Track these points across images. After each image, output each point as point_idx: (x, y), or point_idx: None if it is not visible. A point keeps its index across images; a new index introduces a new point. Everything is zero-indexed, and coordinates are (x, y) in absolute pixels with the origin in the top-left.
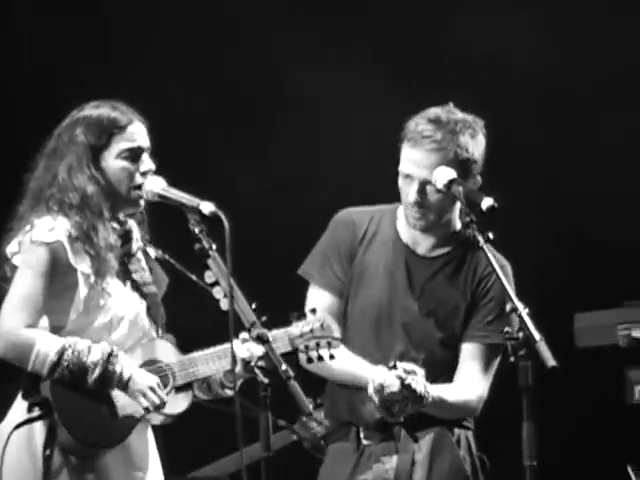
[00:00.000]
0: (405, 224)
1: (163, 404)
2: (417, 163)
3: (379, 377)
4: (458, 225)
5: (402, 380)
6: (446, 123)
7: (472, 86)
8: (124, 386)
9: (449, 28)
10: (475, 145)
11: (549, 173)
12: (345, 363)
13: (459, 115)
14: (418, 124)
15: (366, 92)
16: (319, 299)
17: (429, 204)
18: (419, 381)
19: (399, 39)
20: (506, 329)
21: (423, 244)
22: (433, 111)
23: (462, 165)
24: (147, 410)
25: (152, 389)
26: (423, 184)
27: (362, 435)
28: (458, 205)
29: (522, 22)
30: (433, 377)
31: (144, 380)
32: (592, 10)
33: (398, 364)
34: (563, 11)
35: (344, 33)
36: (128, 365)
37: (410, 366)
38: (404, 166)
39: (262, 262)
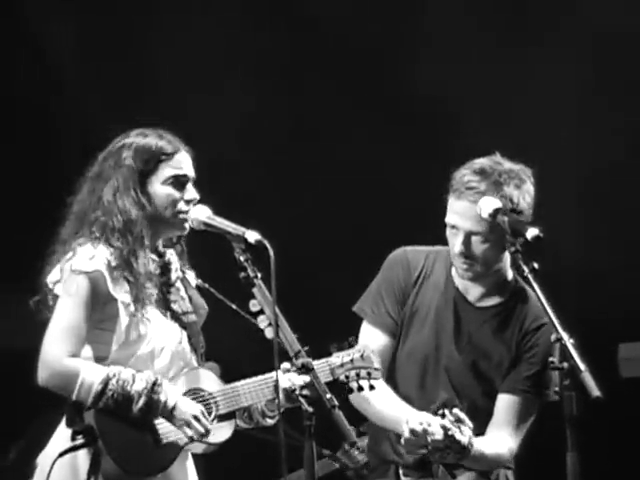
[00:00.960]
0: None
1: (207, 433)
2: (461, 214)
3: (420, 421)
4: (510, 275)
5: (446, 430)
6: (490, 174)
7: None
8: (169, 415)
9: None
10: (521, 195)
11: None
12: (387, 405)
13: (505, 166)
14: (464, 175)
15: None
16: (372, 337)
17: (475, 255)
18: (465, 432)
19: None
20: (551, 359)
21: (474, 292)
22: (479, 162)
23: (507, 216)
24: (191, 439)
25: (196, 418)
26: (468, 235)
27: (401, 472)
28: (507, 256)
29: None
30: (476, 427)
31: (188, 409)
32: None
33: (447, 412)
34: None
35: None
36: (172, 394)
37: (462, 415)
38: (449, 217)
39: (306, 292)
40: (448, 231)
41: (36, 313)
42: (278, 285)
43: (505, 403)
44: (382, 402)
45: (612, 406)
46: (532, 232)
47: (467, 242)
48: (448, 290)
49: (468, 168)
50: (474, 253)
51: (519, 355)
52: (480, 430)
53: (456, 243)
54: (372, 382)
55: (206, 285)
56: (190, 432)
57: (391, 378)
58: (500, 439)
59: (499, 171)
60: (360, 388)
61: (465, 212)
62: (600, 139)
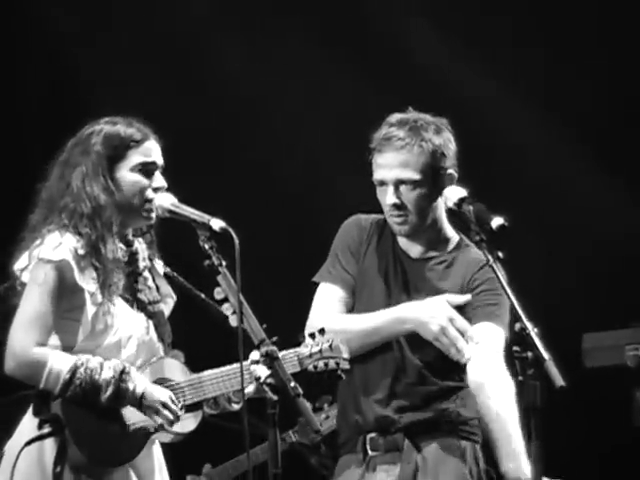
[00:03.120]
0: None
1: (177, 419)
2: (387, 165)
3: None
4: (449, 232)
5: None
6: (407, 121)
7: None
8: (137, 403)
9: None
10: (441, 139)
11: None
12: (363, 319)
13: (420, 115)
14: (381, 130)
15: None
16: (330, 294)
17: (407, 204)
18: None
19: None
20: (514, 348)
21: (415, 249)
22: (394, 116)
23: (431, 158)
24: (161, 427)
25: (165, 405)
26: (397, 185)
27: (368, 446)
28: (441, 206)
29: None
30: (428, 389)
31: (157, 396)
32: None
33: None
34: None
35: None
36: (140, 381)
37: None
38: (376, 175)
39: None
40: (378, 191)
41: (5, 300)
42: (245, 272)
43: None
44: (362, 318)
45: (576, 395)
46: (497, 221)
47: (397, 192)
48: (394, 250)
49: (385, 124)
50: (405, 202)
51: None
52: (433, 393)
53: (387, 196)
54: (340, 372)
55: (174, 273)
56: (160, 420)
57: None
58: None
59: (415, 118)
60: (329, 377)
61: (389, 162)
62: None
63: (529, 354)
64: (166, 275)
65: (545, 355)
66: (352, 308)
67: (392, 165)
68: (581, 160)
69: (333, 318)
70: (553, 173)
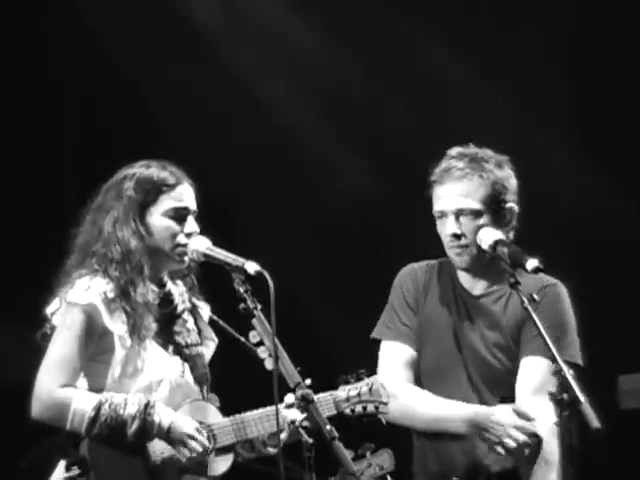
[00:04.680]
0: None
1: (205, 450)
2: (447, 196)
3: (507, 416)
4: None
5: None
6: (468, 154)
7: None
8: (164, 436)
9: None
10: (502, 172)
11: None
12: (431, 405)
13: (482, 150)
14: (442, 163)
15: None
16: (395, 352)
17: (467, 233)
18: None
19: None
20: (550, 390)
21: (476, 285)
22: (454, 149)
23: (492, 189)
24: (190, 460)
25: (192, 437)
26: (457, 214)
27: None
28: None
29: None
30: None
31: (185, 428)
32: None
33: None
34: None
35: None
36: (166, 414)
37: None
38: (436, 207)
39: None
40: (438, 224)
41: (41, 344)
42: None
43: (522, 368)
44: (431, 403)
45: (612, 438)
46: (532, 263)
47: (457, 222)
48: (454, 290)
49: (445, 157)
50: (466, 233)
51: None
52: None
53: (447, 227)
54: (380, 416)
55: (214, 317)
56: (187, 452)
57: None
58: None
59: (475, 151)
60: (365, 419)
61: (449, 193)
62: None
63: (565, 396)
64: (210, 320)
65: (581, 397)
66: (417, 360)
67: (452, 195)
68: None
69: (405, 390)
70: (585, 214)
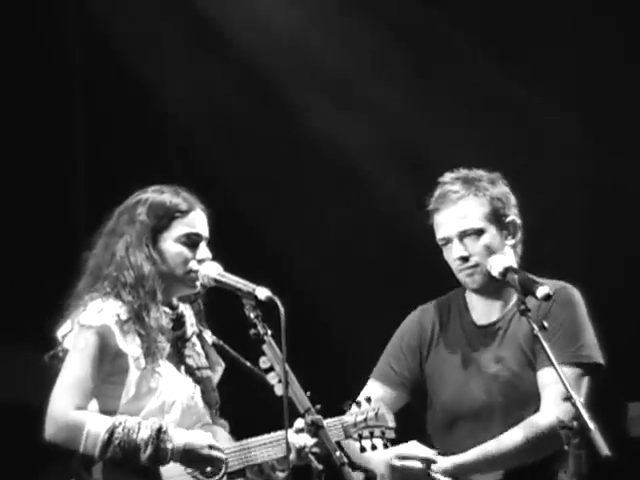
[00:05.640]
0: (472, 296)
1: (224, 462)
2: (447, 221)
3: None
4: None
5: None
6: (461, 177)
7: None
8: (179, 458)
9: None
10: (496, 189)
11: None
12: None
13: (472, 170)
14: (436, 192)
15: None
16: (370, 390)
17: (474, 254)
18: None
19: None
20: (560, 418)
21: (483, 313)
22: (446, 175)
23: (490, 206)
24: (212, 474)
25: (212, 446)
26: (460, 237)
27: None
28: (510, 254)
29: None
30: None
31: (200, 441)
32: None
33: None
34: None
35: None
36: (179, 437)
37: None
38: (439, 234)
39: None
40: (445, 252)
41: (50, 367)
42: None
43: (540, 380)
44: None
45: (622, 465)
46: (542, 290)
47: (463, 244)
48: (462, 323)
49: (439, 187)
50: (472, 252)
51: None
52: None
53: (453, 251)
54: (385, 441)
55: (221, 342)
56: (208, 467)
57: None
58: (531, 421)
59: (467, 173)
60: (374, 447)
61: (449, 218)
62: None
63: (574, 423)
64: (214, 344)
65: (590, 424)
66: (398, 406)
67: (452, 219)
68: None
69: None
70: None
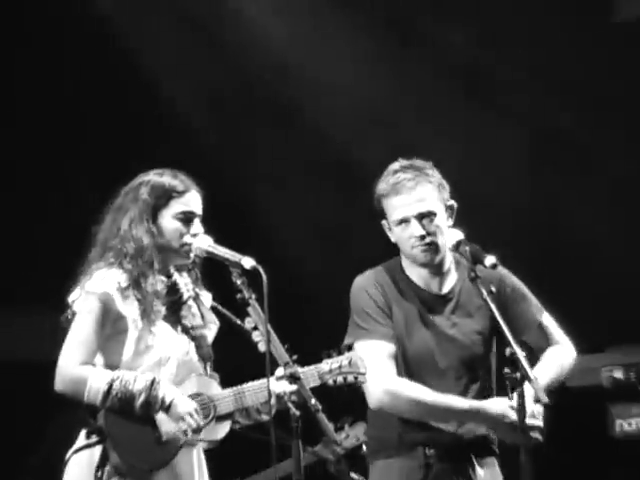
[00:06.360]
0: (414, 269)
1: (199, 429)
2: (406, 204)
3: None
4: (449, 256)
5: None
6: (411, 166)
7: None
8: (167, 409)
9: None
10: (438, 175)
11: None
12: (437, 398)
13: (413, 160)
14: (387, 179)
15: None
16: (376, 349)
17: (430, 232)
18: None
19: None
20: (505, 370)
21: (431, 282)
22: (392, 166)
23: (438, 191)
24: (184, 433)
25: (190, 414)
26: (419, 217)
27: (429, 453)
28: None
29: None
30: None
31: (184, 406)
32: None
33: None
34: None
35: None
36: (170, 391)
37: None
38: (397, 214)
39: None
40: (399, 229)
41: (63, 328)
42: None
43: (535, 338)
44: (435, 395)
45: (558, 411)
46: (490, 260)
47: (421, 225)
48: (414, 289)
49: (387, 174)
50: (429, 231)
51: (502, 308)
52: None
53: (413, 230)
54: (358, 385)
55: (217, 305)
56: (184, 426)
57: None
58: (555, 354)
59: (412, 162)
60: (345, 388)
61: (407, 201)
62: None
63: (518, 375)
64: (212, 307)
65: (532, 376)
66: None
67: (410, 202)
68: None
69: (407, 385)
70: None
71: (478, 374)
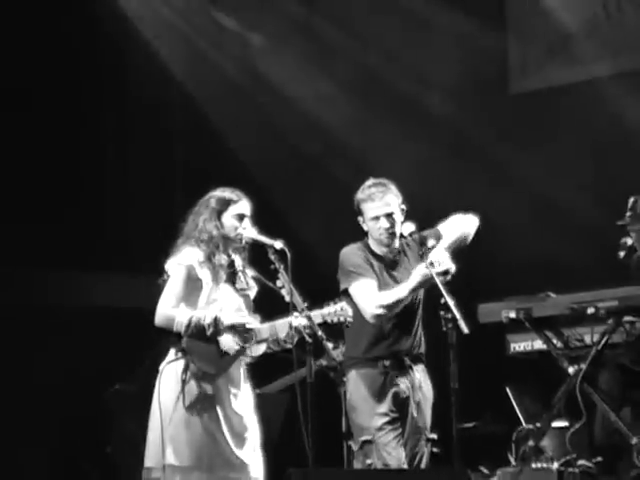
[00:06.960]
0: (378, 247)
1: (244, 326)
2: (379, 207)
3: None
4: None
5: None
6: (378, 183)
7: None
8: (227, 329)
9: None
10: (395, 188)
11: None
12: (398, 290)
13: (378, 179)
14: (365, 192)
15: None
16: (369, 285)
17: (395, 225)
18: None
19: None
20: (441, 312)
21: (387, 254)
22: (367, 183)
23: (397, 198)
24: (242, 347)
25: (238, 321)
26: (387, 216)
27: (387, 364)
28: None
29: None
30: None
31: (238, 319)
32: None
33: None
34: None
35: None
36: (228, 319)
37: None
38: (372, 213)
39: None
40: (372, 224)
41: (159, 286)
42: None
43: (439, 232)
44: (395, 291)
45: (472, 338)
46: (431, 242)
47: (391, 221)
48: (377, 257)
49: (364, 188)
50: (392, 225)
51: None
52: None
53: (382, 224)
54: (347, 323)
55: (257, 275)
56: (236, 346)
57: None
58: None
59: (379, 180)
60: (340, 324)
61: (380, 205)
62: None
63: (449, 315)
64: (253, 277)
65: (458, 316)
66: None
67: (382, 205)
68: None
69: (383, 296)
70: None
71: (419, 317)
